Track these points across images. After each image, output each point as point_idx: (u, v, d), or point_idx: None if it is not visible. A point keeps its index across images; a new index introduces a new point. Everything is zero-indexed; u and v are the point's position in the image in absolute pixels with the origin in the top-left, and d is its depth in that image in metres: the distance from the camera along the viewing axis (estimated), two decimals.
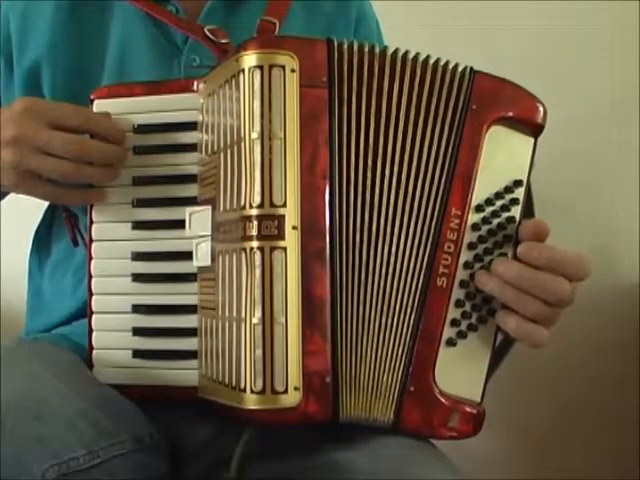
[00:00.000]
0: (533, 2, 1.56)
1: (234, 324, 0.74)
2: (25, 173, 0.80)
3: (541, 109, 0.78)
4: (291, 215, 0.72)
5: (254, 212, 0.73)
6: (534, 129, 0.78)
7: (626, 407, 1.56)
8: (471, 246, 0.76)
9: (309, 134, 0.73)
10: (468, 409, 0.76)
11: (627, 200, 1.52)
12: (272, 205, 0.72)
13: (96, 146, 0.81)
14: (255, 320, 0.72)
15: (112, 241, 0.85)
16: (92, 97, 0.85)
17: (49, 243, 0.99)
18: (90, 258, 0.85)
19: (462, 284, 0.76)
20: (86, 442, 0.69)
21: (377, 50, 0.77)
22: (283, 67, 0.74)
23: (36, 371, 0.78)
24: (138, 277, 0.84)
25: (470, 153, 0.76)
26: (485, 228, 0.76)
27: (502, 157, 0.77)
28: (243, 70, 0.74)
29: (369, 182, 0.75)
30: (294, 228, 0.72)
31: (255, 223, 0.72)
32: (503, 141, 0.77)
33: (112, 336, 0.84)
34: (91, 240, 0.85)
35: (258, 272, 0.72)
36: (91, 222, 0.85)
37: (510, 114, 0.77)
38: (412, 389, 0.75)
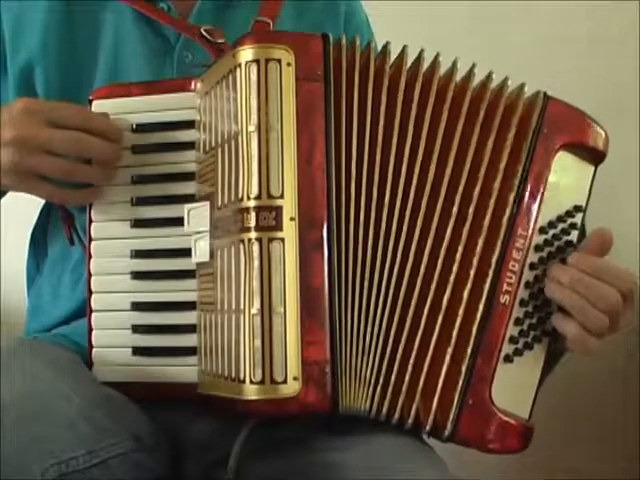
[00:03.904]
0: (533, 2, 1.57)
1: (233, 316, 0.74)
2: (25, 172, 0.80)
3: (604, 138, 0.80)
4: (288, 206, 0.73)
5: (252, 203, 0.73)
6: (596, 157, 0.80)
7: (626, 407, 1.55)
8: (532, 267, 0.77)
9: (305, 126, 0.74)
10: (518, 425, 0.76)
11: (627, 200, 1.52)
12: (269, 196, 0.73)
13: (95, 144, 0.81)
14: (254, 310, 0.72)
15: (111, 239, 0.85)
16: (91, 97, 0.86)
17: (45, 244, 0.99)
18: (89, 257, 0.85)
19: (522, 303, 0.77)
20: (86, 442, 0.69)
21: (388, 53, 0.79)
22: (279, 61, 0.74)
23: (36, 371, 0.78)
24: (137, 275, 0.84)
25: (539, 176, 0.77)
26: (546, 250, 0.78)
27: (566, 182, 0.79)
28: (240, 65, 0.75)
29: (377, 177, 0.76)
30: (292, 219, 0.73)
31: (253, 214, 0.73)
32: (568, 167, 0.79)
33: (111, 334, 0.84)
34: (90, 239, 0.85)
35: (256, 263, 0.72)
36: (90, 221, 0.85)
37: (578, 140, 0.78)
38: (471, 402, 0.75)
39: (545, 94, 0.78)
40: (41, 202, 0.98)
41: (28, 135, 0.79)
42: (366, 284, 0.75)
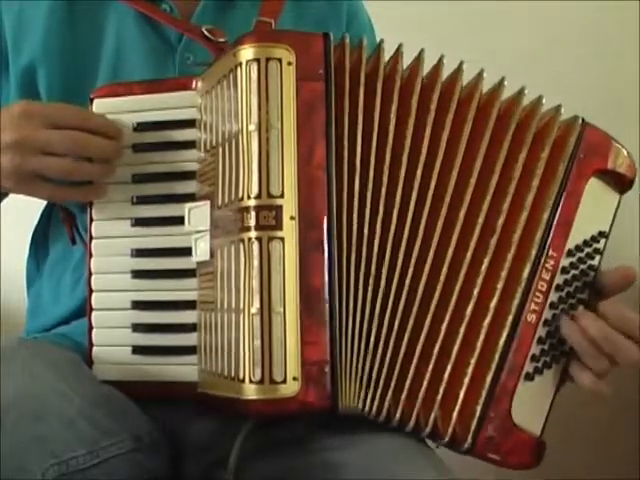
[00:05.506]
0: (533, 2, 1.57)
1: (233, 316, 0.74)
2: (26, 175, 0.80)
3: (634, 168, 0.81)
4: (289, 206, 0.73)
5: (252, 203, 0.73)
6: (624, 186, 0.81)
7: (626, 407, 1.55)
8: (558, 288, 0.78)
9: (306, 126, 0.74)
10: (534, 441, 0.77)
11: (627, 200, 1.52)
12: (269, 196, 0.73)
13: (95, 141, 0.81)
14: (253, 310, 0.72)
15: (112, 238, 0.85)
16: (92, 96, 0.86)
17: (46, 244, 0.99)
18: (90, 255, 0.85)
19: (546, 323, 0.77)
20: (86, 441, 0.69)
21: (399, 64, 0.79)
22: (280, 60, 0.74)
23: (36, 371, 0.78)
24: (138, 273, 0.84)
25: (573, 198, 0.77)
26: (572, 272, 0.78)
27: (593, 208, 0.79)
28: (240, 64, 0.75)
29: (385, 178, 0.75)
30: (292, 218, 0.72)
31: (253, 214, 0.73)
32: (597, 192, 0.79)
33: (112, 333, 0.84)
34: (91, 237, 0.85)
35: (256, 262, 0.72)
36: (91, 220, 0.85)
37: (610, 168, 0.79)
38: (492, 415, 0.75)
39: (583, 120, 0.79)
40: (41, 203, 0.98)
41: (27, 137, 0.79)
42: (371, 283, 0.75)
